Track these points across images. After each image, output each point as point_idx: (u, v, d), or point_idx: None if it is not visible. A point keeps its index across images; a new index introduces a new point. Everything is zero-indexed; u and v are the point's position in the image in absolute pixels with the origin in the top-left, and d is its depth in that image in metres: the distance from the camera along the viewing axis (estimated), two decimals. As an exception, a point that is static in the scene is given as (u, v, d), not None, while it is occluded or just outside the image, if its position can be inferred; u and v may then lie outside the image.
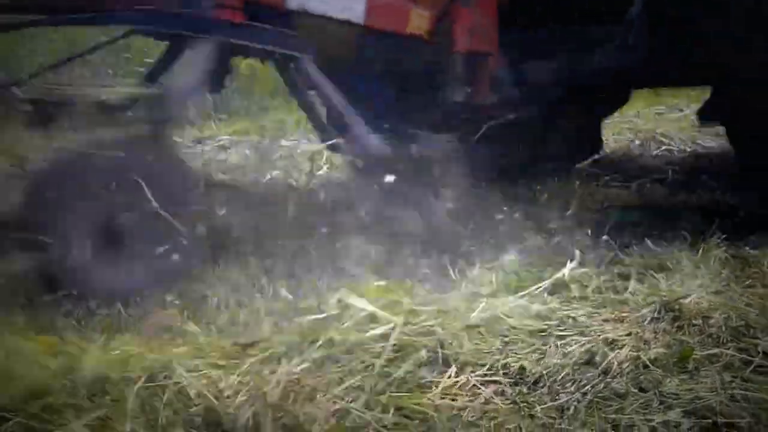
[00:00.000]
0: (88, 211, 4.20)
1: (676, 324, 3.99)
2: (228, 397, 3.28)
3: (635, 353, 3.73)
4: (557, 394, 3.49)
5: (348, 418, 3.24)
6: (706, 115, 5.98)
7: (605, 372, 3.62)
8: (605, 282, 4.54)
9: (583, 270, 4.64)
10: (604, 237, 5.10)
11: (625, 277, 4.62)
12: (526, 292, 4.37)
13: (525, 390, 3.52)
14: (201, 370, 3.43)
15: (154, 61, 5.40)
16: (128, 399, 3.24)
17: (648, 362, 3.68)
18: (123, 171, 4.22)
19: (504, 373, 3.61)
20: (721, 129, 6.53)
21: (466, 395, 3.47)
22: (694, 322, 4.00)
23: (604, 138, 7.74)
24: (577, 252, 4.82)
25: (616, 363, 3.66)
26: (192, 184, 4.56)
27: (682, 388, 3.54)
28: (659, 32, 5.70)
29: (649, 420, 3.37)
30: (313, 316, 3.94)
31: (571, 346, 3.80)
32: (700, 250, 4.91)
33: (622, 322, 4.01)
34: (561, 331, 3.93)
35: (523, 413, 3.39)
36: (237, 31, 4.84)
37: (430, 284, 4.53)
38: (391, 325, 3.79)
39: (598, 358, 3.70)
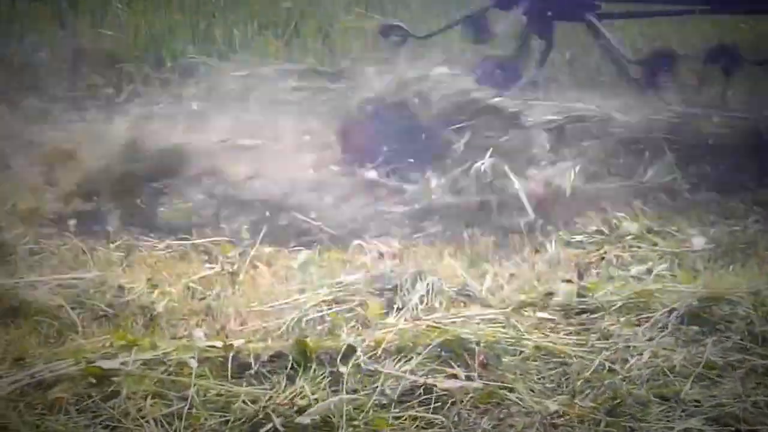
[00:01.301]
0: None
1: (697, 329, 3.97)
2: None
3: (656, 359, 3.71)
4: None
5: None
6: None
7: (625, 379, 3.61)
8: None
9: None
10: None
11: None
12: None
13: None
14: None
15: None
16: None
17: (668, 370, 3.66)
18: None
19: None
20: None
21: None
22: (716, 327, 3.98)
23: None
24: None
25: (636, 369, 3.65)
26: None
27: (704, 395, 3.52)
28: None
29: (671, 428, 3.35)
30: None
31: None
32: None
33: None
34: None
35: (544, 421, 3.38)
36: None
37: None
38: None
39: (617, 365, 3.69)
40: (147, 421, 3.33)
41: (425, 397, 3.47)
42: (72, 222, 5.25)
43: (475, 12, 7.56)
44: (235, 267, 4.79)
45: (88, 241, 5.04)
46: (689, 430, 3.34)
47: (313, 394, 3.46)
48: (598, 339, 3.91)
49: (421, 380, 3.52)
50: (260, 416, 3.36)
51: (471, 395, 3.47)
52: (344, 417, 3.34)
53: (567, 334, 3.97)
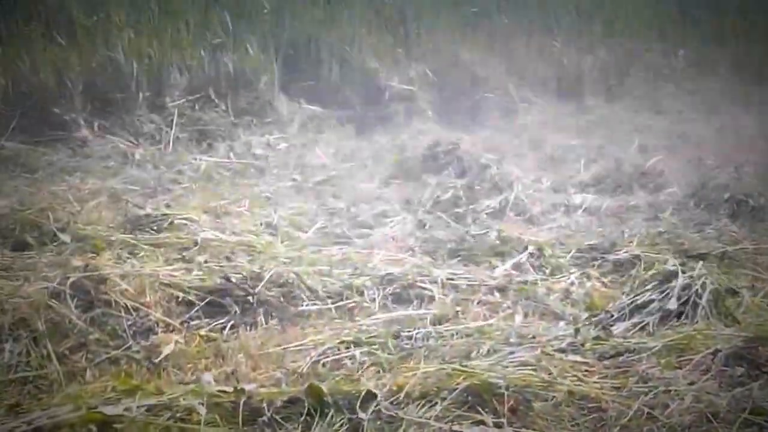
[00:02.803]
0: None
1: (742, 371, 3.95)
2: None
3: (698, 404, 3.69)
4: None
5: None
6: None
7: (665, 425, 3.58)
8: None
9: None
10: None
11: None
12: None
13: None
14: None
15: None
16: None
17: (711, 415, 3.63)
18: None
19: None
20: None
21: None
22: (763, 369, 3.95)
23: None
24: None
25: (677, 415, 3.62)
26: None
27: (751, 442, 3.50)
28: None
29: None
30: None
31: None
32: None
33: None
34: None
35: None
36: None
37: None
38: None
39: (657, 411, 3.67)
40: (152, 471, 3.33)
41: (451, 445, 3.45)
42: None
43: None
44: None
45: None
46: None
47: (330, 442, 3.45)
48: (636, 383, 3.88)
49: (447, 427, 3.51)
50: (274, 465, 3.36)
51: (500, 443, 3.46)
52: (364, 466, 3.33)
53: (602, 378, 3.94)
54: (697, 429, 3.56)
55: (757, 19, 12.87)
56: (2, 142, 7.96)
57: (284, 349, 4.40)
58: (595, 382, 3.89)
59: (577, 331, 4.47)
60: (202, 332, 4.60)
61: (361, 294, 5.10)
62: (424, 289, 5.16)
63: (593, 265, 5.64)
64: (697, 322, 4.50)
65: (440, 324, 4.71)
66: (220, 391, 3.72)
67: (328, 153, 8.70)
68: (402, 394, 3.70)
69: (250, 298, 4.92)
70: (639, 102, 11.61)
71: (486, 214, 6.70)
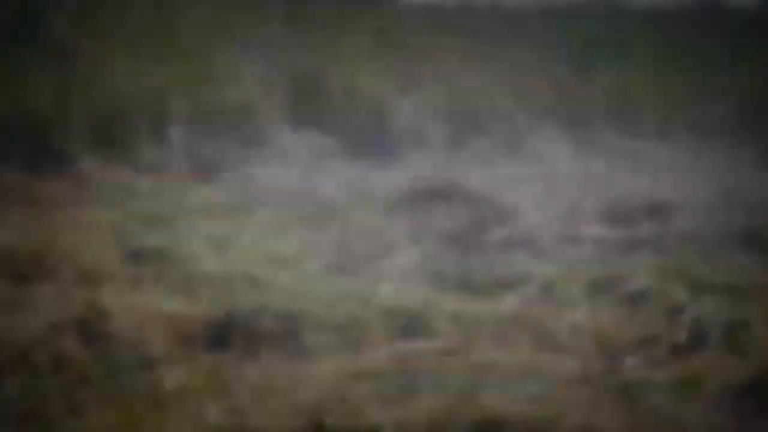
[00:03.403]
0: None
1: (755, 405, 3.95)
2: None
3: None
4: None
5: None
6: None
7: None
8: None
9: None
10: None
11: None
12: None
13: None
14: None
15: None
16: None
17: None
18: None
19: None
20: None
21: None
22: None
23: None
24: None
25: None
26: None
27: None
28: None
29: None
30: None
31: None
32: None
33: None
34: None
35: None
36: None
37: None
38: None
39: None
40: None
41: (458, 482, 3.46)
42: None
43: None
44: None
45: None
46: None
47: (334, 479, 3.45)
48: (646, 417, 3.88)
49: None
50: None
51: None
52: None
53: (611, 412, 3.95)
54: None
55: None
56: (1, 172, 7.98)
57: (288, 383, 4.41)
58: (604, 416, 3.90)
59: (586, 364, 4.48)
60: (205, 366, 4.62)
61: (367, 326, 5.11)
62: (431, 321, 5.18)
63: (602, 297, 5.65)
64: (707, 355, 4.52)
65: (447, 356, 4.72)
66: (223, 426, 3.73)
67: (333, 184, 8.71)
68: (408, 429, 3.70)
69: (253, 331, 4.94)
70: (648, 131, 11.60)
71: (494, 245, 6.72)
